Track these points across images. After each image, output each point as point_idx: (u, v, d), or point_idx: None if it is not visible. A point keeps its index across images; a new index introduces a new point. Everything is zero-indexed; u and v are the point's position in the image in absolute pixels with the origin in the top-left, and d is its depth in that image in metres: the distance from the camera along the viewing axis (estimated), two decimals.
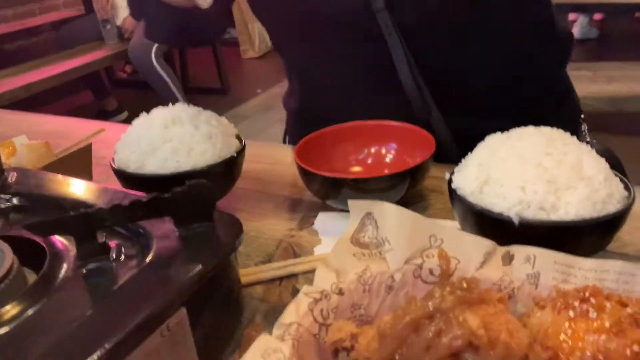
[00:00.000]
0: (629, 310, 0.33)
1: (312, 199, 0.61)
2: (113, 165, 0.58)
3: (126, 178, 0.57)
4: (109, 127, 0.89)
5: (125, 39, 3.32)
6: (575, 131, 0.80)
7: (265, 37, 4.58)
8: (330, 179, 0.55)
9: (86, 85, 3.55)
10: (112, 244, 0.43)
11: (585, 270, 0.37)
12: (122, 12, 3.30)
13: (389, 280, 0.41)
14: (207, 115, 0.59)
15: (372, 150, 0.64)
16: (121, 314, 0.34)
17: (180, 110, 0.59)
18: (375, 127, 0.63)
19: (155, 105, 0.61)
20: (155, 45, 3.11)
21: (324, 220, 0.58)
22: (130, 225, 0.44)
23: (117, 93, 3.77)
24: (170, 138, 0.56)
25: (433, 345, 0.32)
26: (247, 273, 0.50)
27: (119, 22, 3.32)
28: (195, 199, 0.41)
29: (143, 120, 0.59)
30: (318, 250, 0.54)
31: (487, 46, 0.67)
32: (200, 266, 0.38)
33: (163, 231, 0.42)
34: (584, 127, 0.84)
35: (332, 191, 0.56)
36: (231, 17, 3.81)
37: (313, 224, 0.58)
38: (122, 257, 0.42)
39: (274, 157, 0.74)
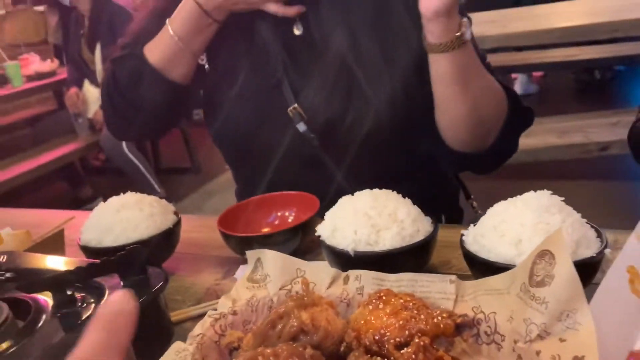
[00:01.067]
0: (401, 301, 0.52)
1: (235, 255, 0.80)
2: (79, 243, 0.77)
3: (90, 252, 0.75)
4: (80, 215, 1.08)
5: (96, 130, 3.54)
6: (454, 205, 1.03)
7: None
8: (240, 237, 0.75)
9: (61, 176, 3.74)
10: (79, 296, 0.62)
11: (391, 281, 0.57)
12: (93, 106, 3.54)
13: (270, 302, 0.59)
14: (150, 199, 0.79)
15: (279, 214, 0.84)
16: (77, 340, 0.52)
17: (129, 198, 0.78)
18: (280, 197, 0.84)
19: (129, 189, 0.80)
20: None
21: (243, 271, 0.77)
22: (92, 282, 0.62)
23: (92, 180, 3.96)
24: (120, 219, 0.75)
25: (281, 334, 0.51)
26: (180, 313, 0.68)
27: (90, 115, 3.55)
28: (133, 259, 0.60)
29: (101, 208, 0.78)
30: None
31: (404, 162, 0.93)
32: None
33: (112, 284, 0.60)
34: (474, 203, 1.06)
35: (246, 247, 0.75)
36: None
37: (234, 274, 0.77)
38: (85, 304, 0.60)
39: (211, 227, 0.94)
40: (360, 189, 0.68)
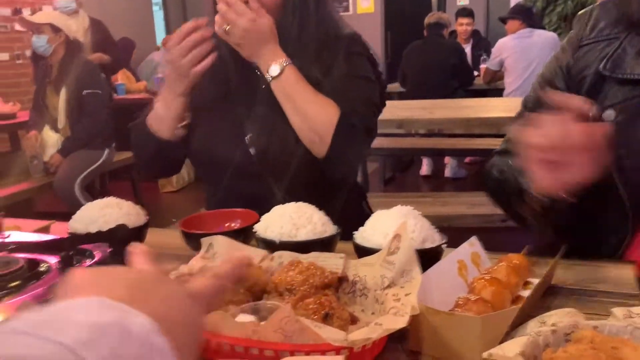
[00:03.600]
0: (306, 265, 0.77)
1: (189, 253, 1.03)
2: (68, 231, 0.98)
3: (77, 237, 0.97)
4: (55, 224, 1.28)
5: (50, 173, 3.67)
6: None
7: (182, 173, 5.05)
8: (198, 234, 0.99)
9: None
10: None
11: (301, 258, 0.82)
12: (50, 150, 3.69)
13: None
14: (127, 203, 1.03)
15: (226, 225, 1.08)
16: None
17: (111, 200, 1.02)
18: (229, 212, 1.09)
19: None
20: (79, 179, 3.51)
21: None
22: (84, 249, 0.84)
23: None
24: (104, 214, 0.98)
25: None
26: None
27: (45, 158, 3.69)
28: (118, 233, 0.83)
29: (87, 206, 1.01)
30: None
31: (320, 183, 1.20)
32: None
33: (100, 250, 0.83)
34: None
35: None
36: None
37: None
38: (79, 263, 0.82)
39: (170, 235, 1.17)
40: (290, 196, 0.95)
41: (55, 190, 3.58)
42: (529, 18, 4.48)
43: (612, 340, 0.55)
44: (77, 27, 3.79)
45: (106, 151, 3.73)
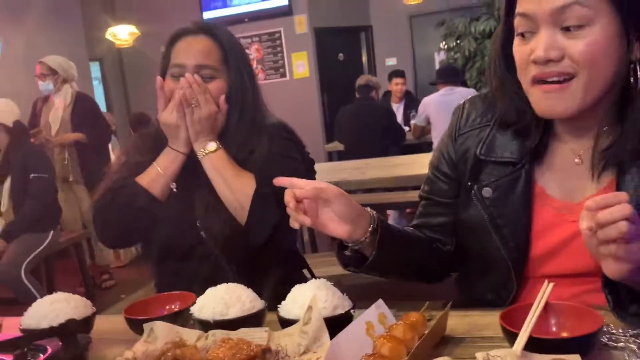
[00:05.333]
0: (235, 341, 0.90)
1: (135, 338, 1.14)
2: (20, 327, 1.08)
3: (29, 333, 1.07)
4: (7, 319, 1.36)
5: None
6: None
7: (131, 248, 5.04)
8: (141, 320, 1.10)
9: None
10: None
11: (233, 334, 0.95)
12: None
13: (158, 352, 0.94)
14: (75, 297, 1.13)
15: (167, 307, 1.20)
16: None
17: (59, 295, 1.12)
18: (168, 295, 1.21)
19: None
20: (25, 263, 3.50)
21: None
22: (38, 344, 0.94)
23: None
24: (53, 309, 1.08)
25: None
26: None
27: None
28: (68, 328, 0.94)
29: (37, 302, 1.11)
30: None
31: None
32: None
33: (53, 345, 0.93)
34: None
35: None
36: None
37: None
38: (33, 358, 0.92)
39: (113, 322, 1.27)
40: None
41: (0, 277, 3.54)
42: (456, 77, 4.88)
43: None
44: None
45: (51, 233, 3.74)
